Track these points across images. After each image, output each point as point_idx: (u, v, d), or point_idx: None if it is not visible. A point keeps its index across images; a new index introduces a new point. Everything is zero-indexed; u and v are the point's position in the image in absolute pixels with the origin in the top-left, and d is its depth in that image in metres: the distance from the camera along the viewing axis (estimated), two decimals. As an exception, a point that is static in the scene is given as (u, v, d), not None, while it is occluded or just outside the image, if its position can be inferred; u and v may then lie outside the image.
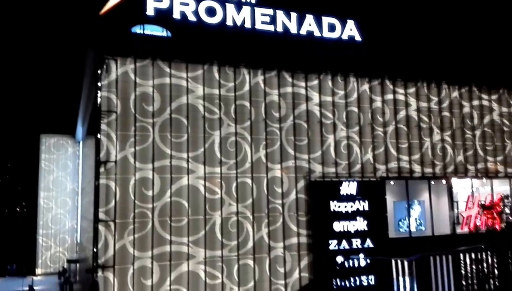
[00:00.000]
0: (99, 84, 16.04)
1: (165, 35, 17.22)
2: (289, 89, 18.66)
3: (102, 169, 15.68)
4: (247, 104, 17.91)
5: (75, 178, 34.40)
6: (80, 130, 29.73)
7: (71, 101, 27.02)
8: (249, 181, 17.52)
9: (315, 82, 19.14)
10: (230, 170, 17.30)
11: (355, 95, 19.78)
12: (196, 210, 16.63)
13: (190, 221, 16.46)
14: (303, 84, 18.91)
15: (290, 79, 18.73)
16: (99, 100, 15.94)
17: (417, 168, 20.47)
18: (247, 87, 18.00)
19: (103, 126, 15.85)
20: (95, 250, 15.34)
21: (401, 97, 20.67)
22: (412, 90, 20.95)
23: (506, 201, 21.96)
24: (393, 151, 20.12)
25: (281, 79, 18.56)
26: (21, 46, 36.12)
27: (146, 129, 16.40)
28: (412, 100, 20.87)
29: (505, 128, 22.79)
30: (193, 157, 16.85)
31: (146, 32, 17.00)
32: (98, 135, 15.80)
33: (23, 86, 37.16)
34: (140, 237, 15.85)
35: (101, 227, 15.46)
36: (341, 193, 18.55)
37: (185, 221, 16.42)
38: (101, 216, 15.50)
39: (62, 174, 34.76)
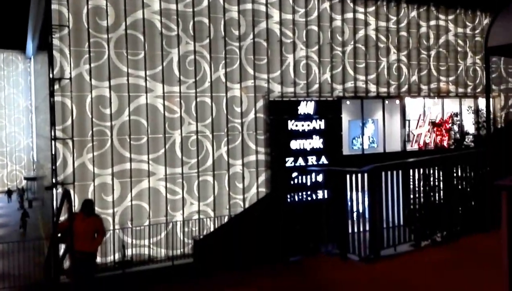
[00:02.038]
0: (48, -5, 15.07)
1: None
2: (249, 6, 18.18)
3: (56, 86, 15.25)
4: (206, 21, 17.42)
5: (28, 95, 33.23)
6: (30, 46, 28.22)
7: (19, 14, 25.30)
8: (208, 100, 17.55)
9: (276, -2, 18.69)
10: (189, 89, 17.21)
11: (315, 13, 19.54)
12: (155, 128, 16.69)
13: (150, 140, 16.57)
14: (263, 0, 18.43)
15: (250, -5, 18.20)
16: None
17: (372, 88, 21.02)
18: (205, 3, 17.38)
19: (55, 42, 15.15)
20: (53, 167, 15.35)
21: (360, 16, 20.61)
22: (372, 9, 20.88)
23: (455, 118, 23.11)
24: (350, 71, 20.45)
25: (240, -6, 18.01)
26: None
27: (100, 45, 15.82)
28: (372, 20, 20.88)
29: (459, 49, 23.41)
30: (151, 75, 16.56)
31: None
32: (51, 51, 15.14)
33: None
34: (100, 154, 15.91)
35: (58, 145, 15.36)
36: (299, 112, 18.99)
37: (145, 139, 16.52)
38: (58, 133, 15.34)
39: (14, 91, 33.44)
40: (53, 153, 15.34)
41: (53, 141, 15.30)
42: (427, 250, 6.66)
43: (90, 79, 15.68)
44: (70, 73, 15.39)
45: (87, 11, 15.59)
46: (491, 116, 23.79)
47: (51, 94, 15.23)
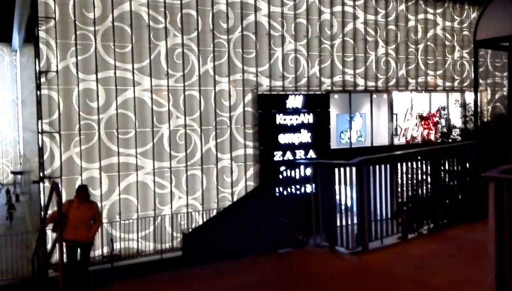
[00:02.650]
0: (34, -13, 14.84)
1: None
2: (237, -1, 18.10)
3: (43, 79, 15.07)
4: (194, 13, 17.29)
5: (14, 89, 32.77)
6: (16, 38, 27.78)
7: (5, 6, 24.86)
8: (196, 93, 17.47)
9: (264, -9, 18.61)
10: (177, 83, 17.11)
11: (304, 6, 19.51)
12: (143, 122, 16.59)
13: (138, 133, 16.48)
14: (252, -7, 18.35)
15: (238, -13, 18.09)
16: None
17: (360, 81, 21.09)
18: (193, -6, 17.27)
19: (42, 34, 14.96)
20: (41, 161, 15.21)
21: (349, 9, 20.62)
22: (360, 2, 20.90)
23: (442, 112, 23.29)
24: (338, 65, 20.48)
25: (229, -13, 17.89)
26: None
27: (87, 37, 15.64)
28: (360, 13, 20.91)
29: (447, 43, 23.57)
30: (138, 68, 16.43)
31: None
32: (37, 44, 14.93)
33: None
34: (87, 148, 15.80)
35: (45, 139, 15.22)
36: (288, 106, 18.99)
37: (133, 133, 16.42)
38: (45, 127, 15.19)
39: (-1, 85, 32.92)
40: (40, 146, 15.19)
41: (40, 135, 15.14)
42: (414, 242, 6.72)
43: (77, 72, 15.51)
44: (57, 66, 15.21)
45: (74, 3, 15.39)
46: (478, 110, 24.12)
47: (38, 87, 15.05)
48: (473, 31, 8.09)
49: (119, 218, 16.11)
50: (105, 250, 15.69)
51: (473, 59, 24.82)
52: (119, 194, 16.24)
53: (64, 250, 6.62)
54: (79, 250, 7.66)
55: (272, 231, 7.43)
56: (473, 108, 23.68)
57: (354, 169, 6.19)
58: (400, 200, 6.95)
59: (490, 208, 3.89)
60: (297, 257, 6.47)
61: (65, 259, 6.62)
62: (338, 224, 6.57)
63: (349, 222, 6.60)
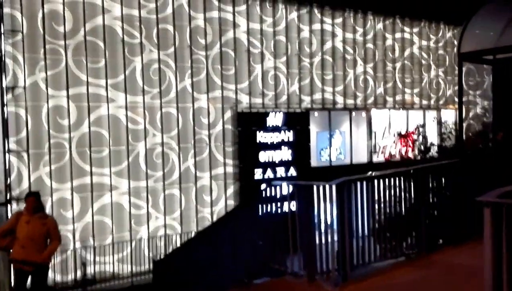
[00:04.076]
0: (0, -1, 14.23)
1: None
2: (215, 14, 17.80)
3: (9, 96, 14.35)
4: (171, 28, 16.91)
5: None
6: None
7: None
8: (174, 111, 17.00)
9: (243, 7, 18.40)
10: (153, 99, 16.61)
11: (283, 23, 19.40)
12: (117, 140, 15.96)
13: (112, 152, 15.83)
14: (230, 8, 18.11)
15: (216, 3, 17.81)
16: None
17: (340, 99, 21.01)
18: (170, 10, 16.86)
19: (8, 48, 14.27)
20: (7, 182, 14.42)
21: (328, 27, 20.62)
22: (339, 20, 20.94)
23: (421, 129, 23.39)
24: (318, 82, 20.37)
25: (206, 2, 17.58)
26: None
27: (57, 52, 15.01)
28: (339, 31, 20.93)
29: (423, 62, 23.81)
30: (112, 84, 15.86)
31: None
32: (3, 58, 14.25)
33: None
34: (58, 168, 15.07)
35: (13, 158, 14.43)
36: (268, 123, 18.71)
37: (106, 151, 15.77)
38: (12, 146, 14.41)
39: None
40: (7, 166, 14.39)
41: (6, 154, 14.36)
42: (398, 268, 6.31)
43: (47, 88, 14.84)
44: (24, 81, 14.51)
45: (43, 16, 14.77)
46: (455, 127, 24.34)
47: (4, 104, 14.31)
48: (457, 43, 7.91)
49: (92, 240, 15.36)
50: (78, 274, 15.02)
51: (448, 77, 25.34)
52: (93, 216, 15.51)
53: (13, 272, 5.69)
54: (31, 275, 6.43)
55: (249, 257, 6.96)
56: (450, 126, 24.08)
57: (334, 190, 5.80)
58: (383, 223, 6.57)
59: (486, 236, 3.54)
60: (273, 289, 6.04)
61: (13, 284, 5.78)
62: (318, 250, 6.12)
63: (330, 247, 6.15)
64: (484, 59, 8.17)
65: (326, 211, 6.03)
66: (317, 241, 6.15)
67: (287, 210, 6.65)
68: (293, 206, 6.50)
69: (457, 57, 7.86)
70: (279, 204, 7.01)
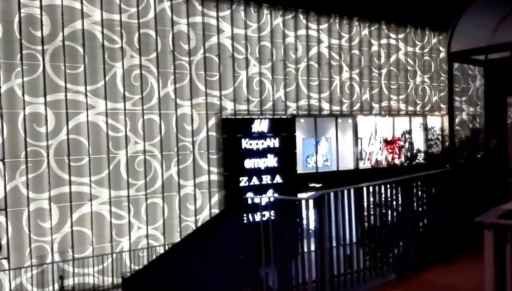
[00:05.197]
0: (-26, 3, 13.71)
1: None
2: (198, 19, 17.46)
3: (-16, 102, 13.82)
4: (153, 33, 16.51)
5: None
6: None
7: None
8: (156, 117, 16.58)
9: (227, 12, 18.10)
10: (135, 106, 16.17)
11: (268, 29, 19.14)
12: (97, 148, 15.48)
13: (92, 160, 15.34)
14: (214, 14, 17.79)
15: (199, 8, 17.48)
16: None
17: (325, 106, 20.79)
18: (152, 14, 16.48)
19: (-17, 53, 13.78)
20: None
21: (313, 33, 20.43)
22: (324, 26, 20.76)
23: (407, 136, 23.32)
24: (304, 89, 20.13)
25: (190, 7, 17.25)
26: None
27: (35, 57, 14.52)
28: (324, 37, 20.75)
29: (409, 68, 23.76)
30: (92, 90, 15.39)
31: None
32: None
33: None
34: (35, 177, 14.53)
35: (-13, 168, 13.88)
36: (253, 130, 18.39)
37: (86, 160, 15.27)
38: (-14, 155, 13.86)
39: None
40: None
41: (-20, 164, 13.78)
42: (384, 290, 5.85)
43: (23, 95, 14.33)
44: (0, 88, 13.99)
45: (20, 20, 14.28)
46: (442, 133, 24.32)
47: (-22, 111, 13.77)
48: (447, 42, 7.57)
49: (71, 252, 14.82)
50: (56, 287, 14.46)
51: (434, 84, 25.33)
52: (71, 226, 14.98)
53: None
54: None
55: (221, 276, 6.52)
56: (437, 132, 24.02)
57: (312, 205, 5.36)
58: (367, 241, 6.08)
59: (487, 259, 3.21)
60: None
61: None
62: (300, 273, 5.65)
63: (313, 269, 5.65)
64: (475, 60, 7.87)
65: (302, 224, 5.65)
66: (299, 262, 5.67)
67: (261, 223, 6.20)
68: (270, 218, 6.06)
69: (447, 57, 7.53)
70: (251, 218, 6.58)
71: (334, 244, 5.53)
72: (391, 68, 23.03)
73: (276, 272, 5.79)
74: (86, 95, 15.27)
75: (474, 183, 6.74)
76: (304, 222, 5.81)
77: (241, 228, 6.50)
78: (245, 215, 6.53)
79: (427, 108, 24.43)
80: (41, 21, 14.58)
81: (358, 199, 5.86)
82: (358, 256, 5.76)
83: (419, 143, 23.86)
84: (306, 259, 5.55)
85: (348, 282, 5.55)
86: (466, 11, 6.98)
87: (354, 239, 5.87)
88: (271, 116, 18.96)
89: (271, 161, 18.70)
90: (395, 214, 6.22)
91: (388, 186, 6.25)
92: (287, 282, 5.62)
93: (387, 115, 23.00)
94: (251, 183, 18.15)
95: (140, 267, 14.57)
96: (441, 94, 25.03)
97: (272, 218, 5.95)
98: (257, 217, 6.39)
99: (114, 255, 15.50)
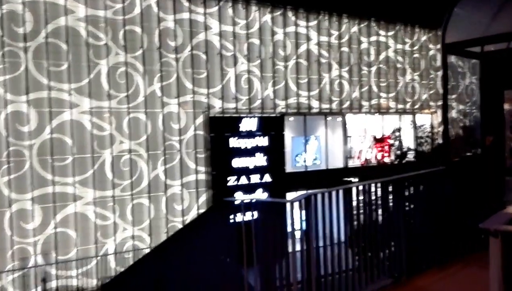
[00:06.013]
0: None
1: None
2: (185, 15, 17.13)
3: (-37, 101, 13.40)
4: (138, 30, 16.16)
5: None
6: None
7: None
8: (142, 116, 16.25)
9: (215, 9, 17.80)
10: (120, 104, 15.83)
11: (256, 26, 18.87)
12: (82, 148, 15.13)
13: (76, 160, 14.98)
14: (201, 10, 17.48)
15: (186, 4, 17.15)
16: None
17: (315, 104, 20.60)
18: (137, 10, 16.13)
19: (-39, 51, 13.35)
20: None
21: (302, 30, 20.20)
22: (313, 23, 20.54)
23: (397, 134, 23.24)
24: (293, 87, 19.91)
25: (176, 3, 16.91)
26: None
27: (16, 55, 14.11)
28: (313, 34, 20.53)
29: (399, 65, 23.64)
30: (76, 88, 15.02)
31: None
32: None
33: None
34: (17, 177, 14.17)
35: (-33, 168, 13.49)
36: (241, 129, 18.13)
37: (70, 159, 14.91)
38: (-34, 155, 13.45)
39: None
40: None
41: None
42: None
43: (5, 93, 13.93)
44: (-20, 86, 13.61)
45: (1, 17, 13.87)
46: (432, 131, 24.29)
47: (-43, 109, 13.34)
48: (441, 34, 7.28)
49: (55, 254, 14.48)
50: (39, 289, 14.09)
51: (424, 81, 25.25)
52: (55, 227, 14.63)
53: None
54: None
55: (206, 275, 6.28)
56: (428, 130, 23.96)
57: (297, 206, 5.11)
58: (356, 248, 5.80)
59: (493, 268, 3.00)
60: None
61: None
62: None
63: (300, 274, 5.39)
64: (471, 53, 7.60)
65: (286, 226, 5.41)
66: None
67: (243, 225, 5.94)
68: (253, 220, 5.80)
69: (441, 49, 7.28)
70: (234, 219, 6.32)
71: (321, 244, 5.30)
72: (381, 65, 22.89)
73: (259, 272, 5.59)
74: (69, 94, 14.90)
75: (469, 183, 6.49)
76: (289, 222, 5.55)
77: (224, 229, 6.26)
78: (228, 216, 6.29)
79: (416, 106, 24.34)
80: (23, 18, 14.19)
81: (346, 200, 5.63)
82: (347, 258, 5.52)
83: (409, 141, 23.79)
84: (291, 260, 5.32)
85: (336, 287, 5.31)
86: (460, 2, 6.75)
87: (342, 240, 5.64)
88: (260, 115, 18.73)
89: (259, 160, 18.47)
90: (386, 215, 5.99)
91: (379, 185, 6.01)
92: (270, 283, 5.41)
93: (376, 113, 22.86)
94: (239, 182, 17.92)
95: (125, 269, 14.31)
96: (431, 92, 24.98)
97: (255, 219, 5.73)
98: (239, 219, 6.14)
99: (98, 257, 15.16)
